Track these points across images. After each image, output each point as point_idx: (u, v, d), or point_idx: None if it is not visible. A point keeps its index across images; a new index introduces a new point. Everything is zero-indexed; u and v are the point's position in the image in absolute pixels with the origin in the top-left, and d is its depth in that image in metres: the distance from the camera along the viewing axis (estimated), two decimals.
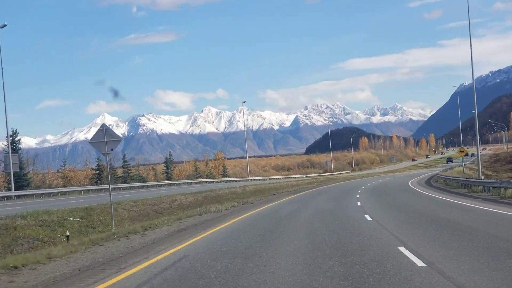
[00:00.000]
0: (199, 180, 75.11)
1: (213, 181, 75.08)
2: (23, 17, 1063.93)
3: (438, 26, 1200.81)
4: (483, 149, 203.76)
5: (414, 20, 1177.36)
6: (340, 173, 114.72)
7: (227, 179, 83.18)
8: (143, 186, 56.37)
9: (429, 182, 49.39)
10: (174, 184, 64.09)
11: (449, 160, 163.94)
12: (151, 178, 74.99)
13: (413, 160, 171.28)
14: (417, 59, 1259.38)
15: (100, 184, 56.93)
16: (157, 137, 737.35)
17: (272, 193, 38.33)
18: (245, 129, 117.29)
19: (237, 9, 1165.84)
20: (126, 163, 71.42)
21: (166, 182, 65.43)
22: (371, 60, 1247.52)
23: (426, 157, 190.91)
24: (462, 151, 57.40)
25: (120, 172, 69.46)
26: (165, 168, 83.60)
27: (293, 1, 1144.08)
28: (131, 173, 70.60)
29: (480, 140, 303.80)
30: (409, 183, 49.37)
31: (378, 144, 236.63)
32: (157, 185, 59.65)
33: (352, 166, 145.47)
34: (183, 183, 67.74)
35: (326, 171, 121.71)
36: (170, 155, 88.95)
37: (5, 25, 47.37)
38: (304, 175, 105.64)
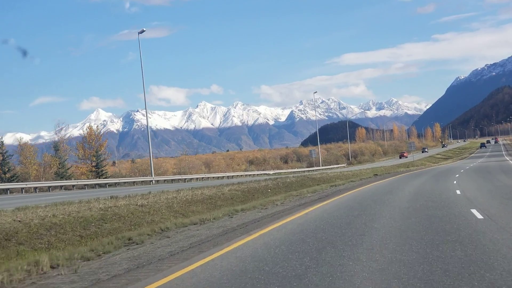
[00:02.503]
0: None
1: None
2: (16, 12, 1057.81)
3: (432, 21, 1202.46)
4: (493, 139, 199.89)
5: (408, 14, 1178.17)
6: (333, 168, 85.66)
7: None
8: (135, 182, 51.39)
9: None
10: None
11: (483, 145, 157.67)
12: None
13: (423, 151, 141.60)
14: (412, 54, 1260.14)
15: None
16: (152, 133, 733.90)
17: None
18: (148, 129, 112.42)
19: (230, 4, 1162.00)
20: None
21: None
22: (366, 55, 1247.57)
23: (443, 146, 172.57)
24: None
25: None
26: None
27: None
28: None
29: (481, 131, 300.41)
30: None
31: (377, 135, 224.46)
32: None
33: (348, 159, 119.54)
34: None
35: (311, 165, 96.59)
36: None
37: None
38: (271, 171, 77.10)
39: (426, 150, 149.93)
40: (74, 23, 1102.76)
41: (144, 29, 53.64)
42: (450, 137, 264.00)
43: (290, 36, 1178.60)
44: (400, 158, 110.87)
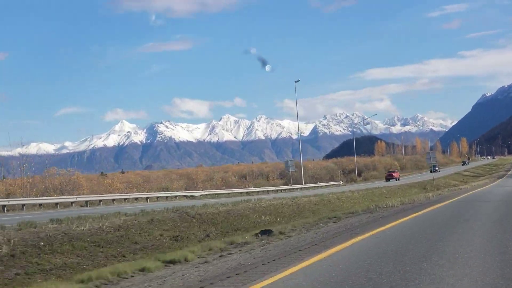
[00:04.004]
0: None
1: None
2: (41, 23, 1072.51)
3: (458, 37, 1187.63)
4: None
5: (434, 30, 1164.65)
6: (318, 187, 67.32)
7: None
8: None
9: None
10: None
11: None
12: None
13: (463, 163, 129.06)
14: (437, 70, 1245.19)
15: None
16: (175, 145, 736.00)
17: None
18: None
19: (253, 18, 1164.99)
20: None
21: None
22: (390, 70, 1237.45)
23: (463, 164, 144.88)
24: None
25: None
26: None
27: (311, 10, 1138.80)
28: None
29: (508, 149, 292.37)
30: None
31: (398, 150, 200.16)
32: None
33: (357, 174, 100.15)
34: None
35: (295, 181, 74.30)
36: None
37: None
38: (203, 192, 56.63)
39: (466, 162, 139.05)
40: (99, 35, 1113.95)
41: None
42: (478, 153, 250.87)
43: (313, 50, 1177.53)
44: (388, 180, 76.50)
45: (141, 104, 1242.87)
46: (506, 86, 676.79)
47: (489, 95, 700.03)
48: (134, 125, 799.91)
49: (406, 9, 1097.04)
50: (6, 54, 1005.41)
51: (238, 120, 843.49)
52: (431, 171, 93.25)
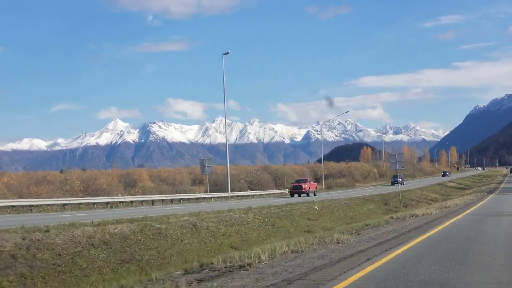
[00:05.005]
0: None
1: None
2: (38, 20, 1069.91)
3: (452, 48, 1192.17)
4: None
5: (428, 40, 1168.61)
6: (244, 198, 54.44)
7: None
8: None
9: None
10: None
11: None
12: None
13: (443, 175, 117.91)
14: (431, 80, 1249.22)
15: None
16: (167, 145, 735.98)
17: None
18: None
19: (250, 21, 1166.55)
20: None
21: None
22: (384, 79, 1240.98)
23: (443, 175, 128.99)
24: None
25: None
26: None
27: (307, 16, 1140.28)
28: None
29: (500, 161, 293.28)
30: None
31: (385, 157, 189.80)
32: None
33: (323, 181, 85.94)
34: None
35: (221, 187, 62.09)
36: None
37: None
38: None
39: (447, 174, 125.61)
40: (95, 33, 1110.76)
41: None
42: (467, 164, 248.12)
43: (307, 56, 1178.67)
44: (292, 196, 53.93)
45: (135, 103, 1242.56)
46: (499, 98, 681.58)
47: (481, 106, 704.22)
48: (128, 124, 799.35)
49: (401, 19, 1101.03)
50: (2, 49, 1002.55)
51: (231, 123, 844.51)
52: (392, 184, 76.62)
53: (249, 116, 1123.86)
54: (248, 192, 61.23)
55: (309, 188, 55.54)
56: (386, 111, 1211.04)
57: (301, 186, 55.29)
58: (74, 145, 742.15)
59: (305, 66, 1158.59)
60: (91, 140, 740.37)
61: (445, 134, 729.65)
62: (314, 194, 54.77)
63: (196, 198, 50.24)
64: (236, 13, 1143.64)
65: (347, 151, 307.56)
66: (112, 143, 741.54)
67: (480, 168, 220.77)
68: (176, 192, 56.01)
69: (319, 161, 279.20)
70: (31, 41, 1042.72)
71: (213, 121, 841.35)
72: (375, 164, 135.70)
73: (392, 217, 25.95)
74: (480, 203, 37.75)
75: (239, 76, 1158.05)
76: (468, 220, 23.62)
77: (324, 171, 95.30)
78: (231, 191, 58.00)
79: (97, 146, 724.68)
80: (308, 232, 23.61)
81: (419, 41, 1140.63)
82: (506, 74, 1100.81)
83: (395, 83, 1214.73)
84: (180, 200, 47.44)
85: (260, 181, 73.54)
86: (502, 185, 75.50)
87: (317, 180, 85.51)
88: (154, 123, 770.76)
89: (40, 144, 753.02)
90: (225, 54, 57.10)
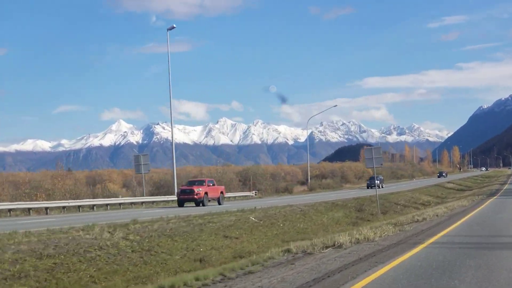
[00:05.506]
0: None
1: None
2: (41, 20, 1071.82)
3: (456, 49, 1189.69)
4: None
5: (433, 41, 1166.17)
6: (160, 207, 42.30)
7: None
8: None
9: None
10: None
11: None
12: None
13: (439, 175, 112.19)
14: (434, 81, 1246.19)
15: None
16: (171, 147, 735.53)
17: None
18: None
19: (252, 22, 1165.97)
20: None
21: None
22: (388, 79, 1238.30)
23: (439, 176, 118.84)
24: None
25: None
26: None
27: (310, 17, 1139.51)
28: None
29: (504, 161, 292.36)
30: None
31: (386, 157, 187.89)
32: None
33: (308, 182, 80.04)
34: None
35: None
36: None
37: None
38: None
39: (443, 175, 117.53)
40: (98, 33, 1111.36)
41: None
42: (470, 164, 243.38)
43: (311, 57, 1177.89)
44: (180, 206, 38.81)
45: (139, 104, 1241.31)
46: (503, 99, 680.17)
47: (485, 107, 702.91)
48: (131, 125, 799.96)
49: (405, 20, 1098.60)
50: (5, 50, 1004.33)
51: (235, 124, 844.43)
52: (368, 187, 67.33)
53: (252, 117, 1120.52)
54: None
55: (206, 193, 39.02)
56: (390, 112, 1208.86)
57: (192, 191, 38.30)
58: (78, 146, 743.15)
59: (308, 67, 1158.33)
60: (94, 141, 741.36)
61: (449, 134, 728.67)
62: (219, 203, 40.16)
63: (131, 203, 43.06)
64: (239, 14, 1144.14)
65: (350, 152, 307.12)
66: (116, 144, 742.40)
67: (483, 169, 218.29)
68: (105, 197, 47.23)
69: (323, 161, 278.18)
70: (35, 42, 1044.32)
71: (217, 122, 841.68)
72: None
73: (289, 251, 15.47)
74: (473, 213, 28.70)
75: (242, 77, 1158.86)
76: (421, 272, 11.22)
77: (315, 172, 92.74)
78: (167, 194, 51.68)
79: (100, 147, 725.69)
80: (201, 261, 16.61)
81: (422, 41, 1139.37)
82: (510, 74, 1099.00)
83: (399, 84, 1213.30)
84: (93, 206, 39.42)
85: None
86: (506, 186, 69.12)
87: (310, 179, 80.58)
88: (158, 124, 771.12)
89: (44, 145, 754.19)
90: (169, 29, 50.91)
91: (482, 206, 34.24)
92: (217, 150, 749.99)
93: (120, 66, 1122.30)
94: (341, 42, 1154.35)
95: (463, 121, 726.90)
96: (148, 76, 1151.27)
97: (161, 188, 59.12)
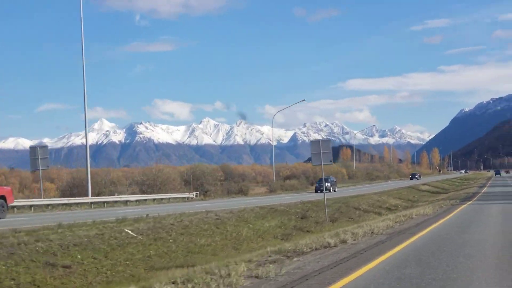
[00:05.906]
0: None
1: None
2: (24, 19, 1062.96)
3: (439, 52, 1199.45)
4: (505, 171, 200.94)
5: (415, 44, 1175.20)
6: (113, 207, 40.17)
7: None
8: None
9: None
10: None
11: (497, 172, 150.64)
12: None
13: (411, 177, 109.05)
14: (417, 83, 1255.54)
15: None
16: (154, 146, 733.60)
17: None
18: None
19: (238, 23, 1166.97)
20: None
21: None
22: (371, 82, 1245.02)
23: (411, 178, 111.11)
24: None
25: None
26: None
27: (295, 18, 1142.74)
28: None
29: (485, 164, 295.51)
30: None
31: (365, 158, 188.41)
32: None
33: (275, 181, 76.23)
34: None
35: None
36: None
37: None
38: None
39: (416, 177, 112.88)
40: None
41: None
42: (450, 166, 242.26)
43: (295, 58, 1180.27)
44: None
45: (121, 104, 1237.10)
46: (484, 102, 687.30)
47: (467, 110, 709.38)
48: (114, 124, 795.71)
49: (389, 23, 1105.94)
50: None
51: (218, 124, 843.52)
52: (316, 190, 54.76)
53: (235, 118, 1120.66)
54: (118, 198, 44.78)
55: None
56: (372, 114, 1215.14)
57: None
58: (60, 144, 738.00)
59: (292, 68, 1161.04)
60: (76, 140, 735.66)
61: (430, 137, 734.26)
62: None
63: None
64: (224, 14, 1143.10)
65: (333, 153, 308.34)
66: (98, 143, 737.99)
67: (463, 171, 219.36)
68: None
69: (306, 162, 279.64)
70: (18, 41, 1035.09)
71: (200, 122, 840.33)
72: (344, 165, 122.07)
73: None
74: (429, 228, 19.48)
75: (226, 78, 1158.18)
76: None
77: (285, 172, 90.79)
78: (98, 195, 46.77)
79: (82, 146, 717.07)
80: None
81: (406, 44, 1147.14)
82: (492, 78, 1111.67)
83: (382, 86, 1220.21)
84: None
85: (156, 182, 57.71)
86: (485, 189, 62.49)
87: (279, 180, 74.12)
88: (141, 123, 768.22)
89: (25, 143, 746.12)
90: None
91: (449, 216, 25.74)
92: (200, 150, 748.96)
93: (103, 65, 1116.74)
94: (325, 44, 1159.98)
95: (445, 124, 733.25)
96: (131, 75, 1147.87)
97: (74, 188, 52.88)
